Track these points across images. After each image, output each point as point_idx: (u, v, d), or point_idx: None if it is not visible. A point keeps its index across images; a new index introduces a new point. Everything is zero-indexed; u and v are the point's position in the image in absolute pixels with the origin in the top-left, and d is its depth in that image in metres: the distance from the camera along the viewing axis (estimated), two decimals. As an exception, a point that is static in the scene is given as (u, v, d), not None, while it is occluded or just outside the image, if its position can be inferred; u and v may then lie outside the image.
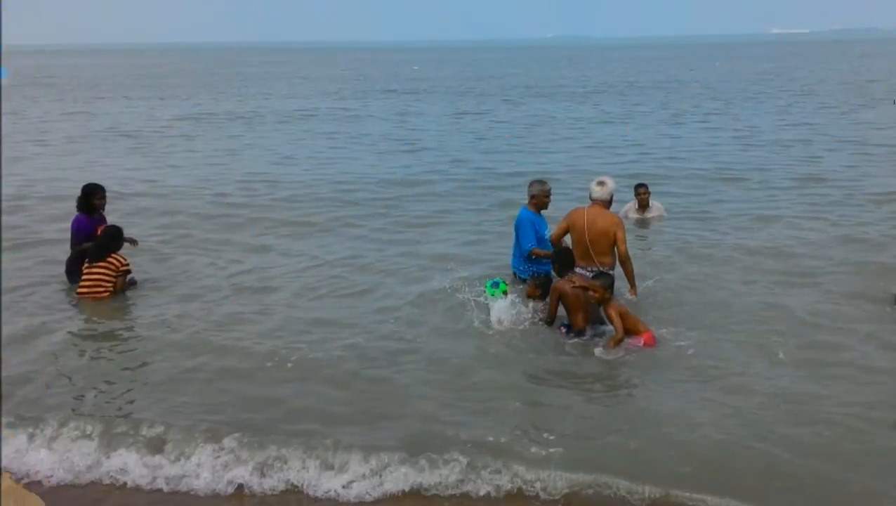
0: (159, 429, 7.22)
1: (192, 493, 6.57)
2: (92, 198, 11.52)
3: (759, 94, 47.26)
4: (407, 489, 6.42)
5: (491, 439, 6.89)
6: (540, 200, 10.72)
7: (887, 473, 6.41)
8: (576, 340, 9.03)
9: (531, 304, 9.72)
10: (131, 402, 7.89)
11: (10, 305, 10.54)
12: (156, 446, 7.04)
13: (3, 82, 56.73)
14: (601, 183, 10.03)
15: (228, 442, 6.96)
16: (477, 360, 8.62)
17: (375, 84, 65.97)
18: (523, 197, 11.07)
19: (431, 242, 13.63)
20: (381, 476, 6.53)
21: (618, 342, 8.64)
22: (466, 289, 10.26)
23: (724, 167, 21.04)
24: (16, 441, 7.18)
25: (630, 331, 8.75)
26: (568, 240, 10.20)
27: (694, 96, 46.65)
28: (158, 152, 25.74)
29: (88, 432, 7.23)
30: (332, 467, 6.66)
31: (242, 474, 6.65)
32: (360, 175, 20.61)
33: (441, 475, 6.46)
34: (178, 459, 6.87)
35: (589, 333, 9.10)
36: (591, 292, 8.88)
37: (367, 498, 6.41)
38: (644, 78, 68.97)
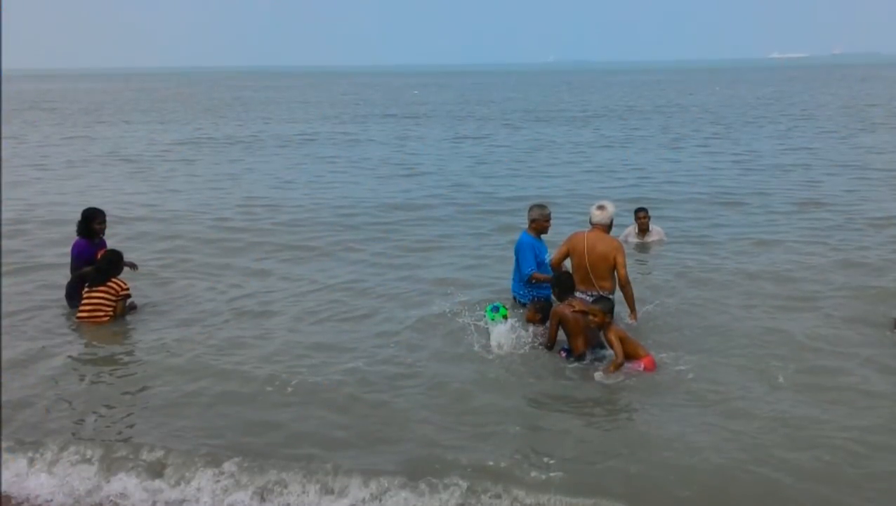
0: (159, 453, 7.22)
1: (192, 517, 6.58)
2: (92, 222, 11.54)
3: (759, 118, 47.40)
4: (407, 514, 6.42)
5: (491, 463, 6.88)
6: (540, 224, 10.75)
7: (887, 497, 6.40)
8: (576, 364, 9.04)
9: (531, 328, 9.72)
10: (131, 426, 7.88)
11: (10, 330, 10.54)
12: (156, 470, 7.04)
13: (3, 106, 56.89)
14: (601, 207, 10.06)
15: (228, 466, 6.96)
16: (477, 384, 8.61)
17: (375, 108, 66.18)
18: (523, 221, 11.10)
19: (431, 267, 13.65)
20: (381, 501, 6.51)
21: (618, 367, 8.65)
22: (466, 313, 10.27)
23: (723, 191, 21.10)
24: (16, 465, 7.18)
25: (630, 355, 8.76)
26: (568, 264, 10.22)
27: (694, 121, 46.79)
28: (158, 177, 25.80)
29: (88, 457, 7.23)
30: (332, 492, 6.65)
31: (242, 498, 6.64)
32: (359, 199, 20.66)
33: (441, 500, 6.45)
34: (178, 483, 6.86)
35: (589, 357, 9.09)
36: (591, 317, 8.89)
37: (367, 522, 6.41)
38: (644, 102, 69.21)
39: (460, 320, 10.17)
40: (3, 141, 33.41)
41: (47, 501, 6.79)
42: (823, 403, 8.04)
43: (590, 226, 10.10)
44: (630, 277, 9.94)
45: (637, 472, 6.76)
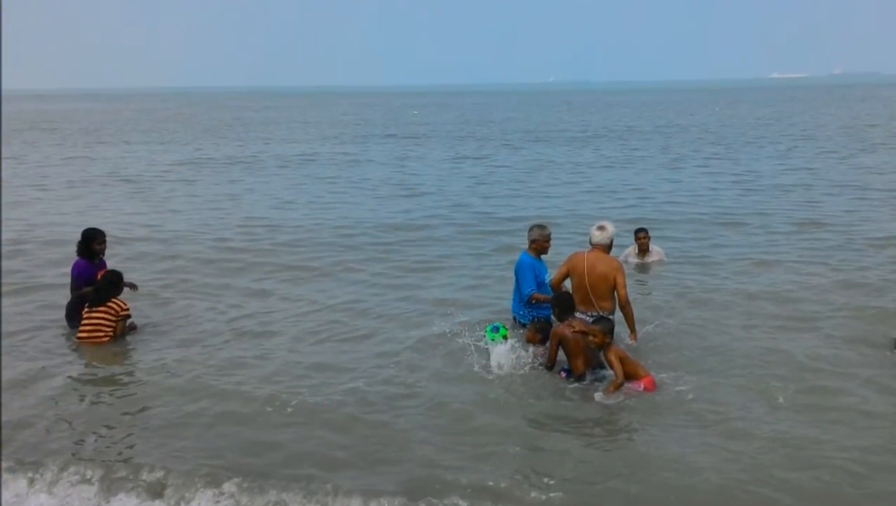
0: (159, 474, 7.21)
1: (191, 538, 6.57)
2: (92, 243, 11.55)
3: (759, 138, 47.50)
4: (407, 534, 6.41)
5: (491, 483, 6.87)
6: (540, 244, 10.75)
7: (888, 518, 6.40)
8: (576, 384, 9.03)
9: (531, 348, 9.72)
10: (131, 446, 7.87)
11: (11, 350, 10.54)
12: (156, 490, 7.03)
13: (4, 126, 57.03)
14: (601, 228, 10.08)
15: (228, 487, 6.95)
16: (477, 404, 8.61)
17: (375, 129, 66.34)
18: (523, 241, 11.11)
19: (431, 287, 13.65)
20: (381, 521, 6.51)
21: (618, 387, 8.64)
22: (466, 333, 10.26)
23: (724, 212, 21.12)
24: (16, 486, 7.17)
25: (630, 375, 8.75)
26: (568, 284, 10.23)
27: (694, 141, 46.87)
28: (159, 197, 25.85)
29: (88, 477, 7.22)
30: (331, 513, 6.64)
31: (242, 519, 6.63)
32: (359, 220, 20.69)
33: (441, 520, 6.45)
34: (178, 503, 6.85)
35: (589, 377, 9.09)
36: (591, 337, 8.88)
37: (367, 544, 6.40)
38: (644, 123, 69.35)
39: (460, 341, 10.17)
40: (3, 161, 33.49)
41: (47, 521, 6.79)
42: (824, 423, 8.03)
43: (590, 246, 10.12)
44: (630, 298, 9.95)
45: (637, 492, 6.75)
